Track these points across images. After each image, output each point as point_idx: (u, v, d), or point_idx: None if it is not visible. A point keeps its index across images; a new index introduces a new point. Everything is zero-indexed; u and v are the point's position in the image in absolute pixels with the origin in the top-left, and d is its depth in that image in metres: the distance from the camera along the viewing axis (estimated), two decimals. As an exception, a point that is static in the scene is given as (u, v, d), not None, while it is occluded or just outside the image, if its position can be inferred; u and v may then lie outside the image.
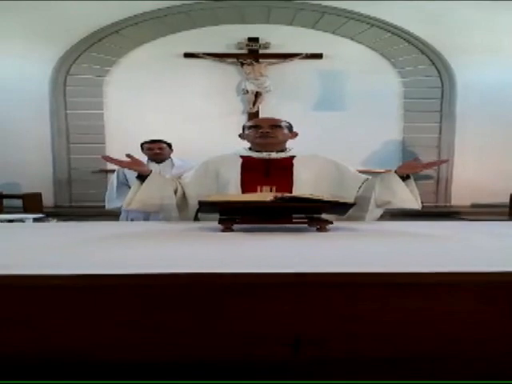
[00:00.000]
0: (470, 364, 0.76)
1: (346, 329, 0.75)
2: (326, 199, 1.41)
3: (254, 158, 1.96)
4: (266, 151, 1.95)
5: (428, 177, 6.08)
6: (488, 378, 0.75)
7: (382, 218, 1.97)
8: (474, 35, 5.71)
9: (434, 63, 5.91)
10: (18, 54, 5.63)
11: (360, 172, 2.04)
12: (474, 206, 5.92)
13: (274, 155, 1.95)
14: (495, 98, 5.80)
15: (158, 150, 3.21)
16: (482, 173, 5.84)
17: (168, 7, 5.72)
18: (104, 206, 3.34)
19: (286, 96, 5.83)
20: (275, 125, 1.96)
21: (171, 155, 3.33)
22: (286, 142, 2.02)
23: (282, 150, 1.99)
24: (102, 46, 5.78)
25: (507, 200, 4.95)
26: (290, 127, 2.04)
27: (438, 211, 5.67)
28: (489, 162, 5.87)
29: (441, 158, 6.04)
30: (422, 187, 5.96)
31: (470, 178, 5.87)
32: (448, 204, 6.09)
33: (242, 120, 3.57)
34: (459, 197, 6.01)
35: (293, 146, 2.07)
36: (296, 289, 0.75)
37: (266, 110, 5.64)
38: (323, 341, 0.75)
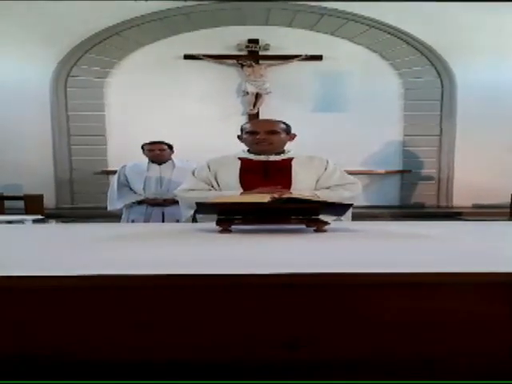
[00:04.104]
0: (469, 364, 0.76)
1: (344, 329, 0.75)
2: (322, 200, 1.41)
3: (252, 160, 1.97)
4: (265, 154, 1.96)
5: (429, 178, 6.08)
6: (488, 378, 0.75)
7: (382, 218, 1.97)
8: (473, 36, 5.71)
9: (433, 64, 5.91)
10: (18, 56, 5.64)
11: (361, 173, 2.05)
12: (475, 206, 5.91)
13: (272, 157, 1.97)
14: (496, 99, 5.79)
15: (158, 152, 3.22)
16: (484, 173, 5.83)
17: (168, 9, 5.72)
18: (106, 207, 3.34)
19: (286, 97, 5.82)
20: (271, 130, 1.96)
21: (172, 156, 3.33)
22: (283, 145, 2.03)
23: (281, 152, 2.00)
24: (103, 47, 5.78)
25: (509, 200, 4.93)
26: (287, 129, 2.03)
27: (439, 212, 5.67)
28: (490, 162, 5.86)
29: (441, 158, 6.04)
30: (424, 188, 6.02)
31: (471, 178, 5.86)
32: (450, 205, 6.08)
33: (242, 121, 3.56)
34: (461, 197, 6.00)
35: (293, 148, 2.08)
36: (294, 289, 0.75)
37: (267, 112, 5.64)
38: (322, 341, 0.75)
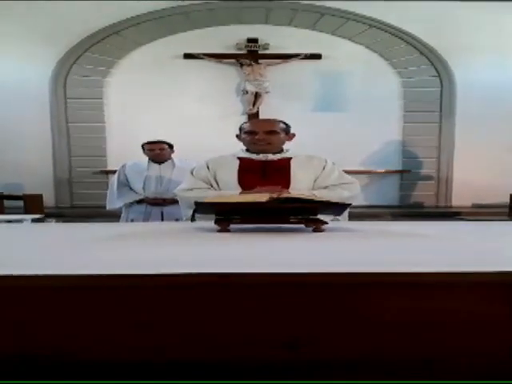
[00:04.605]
0: (470, 364, 0.76)
1: (344, 329, 0.75)
2: (320, 199, 1.42)
3: (251, 160, 1.97)
4: (263, 153, 1.97)
5: (429, 177, 6.09)
6: (488, 378, 0.75)
7: (381, 217, 1.98)
8: (472, 35, 5.71)
9: (433, 64, 5.91)
10: (18, 55, 5.64)
11: (361, 173, 2.06)
12: (474, 206, 5.91)
13: (270, 157, 1.97)
14: (495, 98, 5.79)
15: (158, 151, 3.21)
16: (483, 173, 5.83)
17: (167, 8, 5.72)
18: (105, 207, 3.34)
19: (286, 97, 5.82)
20: (270, 130, 1.96)
21: (172, 156, 3.33)
22: (282, 145, 2.03)
23: (279, 152, 2.00)
24: (102, 47, 5.78)
25: (508, 200, 4.94)
26: (286, 129, 2.03)
27: (438, 212, 5.67)
28: (489, 162, 5.86)
29: (441, 157, 6.04)
30: (423, 188, 6.02)
31: (470, 178, 5.86)
32: (449, 204, 6.08)
33: (242, 121, 3.56)
34: (460, 197, 6.01)
35: (292, 147, 2.08)
36: (294, 289, 0.75)
37: (266, 111, 5.64)
38: (322, 341, 0.75)
